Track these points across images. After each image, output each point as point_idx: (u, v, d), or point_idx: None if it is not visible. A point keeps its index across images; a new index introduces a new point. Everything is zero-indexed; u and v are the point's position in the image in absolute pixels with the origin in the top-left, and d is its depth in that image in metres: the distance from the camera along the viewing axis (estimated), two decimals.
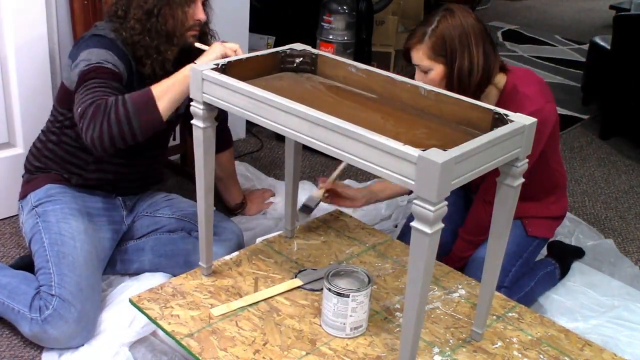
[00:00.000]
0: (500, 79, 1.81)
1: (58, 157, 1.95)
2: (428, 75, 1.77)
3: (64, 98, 1.89)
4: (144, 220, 2.04)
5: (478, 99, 1.58)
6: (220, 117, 1.71)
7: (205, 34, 1.95)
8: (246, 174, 2.72)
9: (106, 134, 1.65)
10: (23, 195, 1.97)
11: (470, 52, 1.71)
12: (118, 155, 1.86)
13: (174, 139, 2.78)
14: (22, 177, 2.04)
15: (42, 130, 2.02)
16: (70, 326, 1.69)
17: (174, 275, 1.85)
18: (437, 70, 1.75)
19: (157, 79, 1.77)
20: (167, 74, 1.77)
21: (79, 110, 1.69)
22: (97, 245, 1.87)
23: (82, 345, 1.73)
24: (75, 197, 1.92)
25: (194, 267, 1.72)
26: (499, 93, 1.81)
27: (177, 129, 2.87)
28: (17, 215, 2.32)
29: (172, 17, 1.82)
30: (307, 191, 2.53)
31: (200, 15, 1.87)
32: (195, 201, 1.61)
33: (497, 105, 1.73)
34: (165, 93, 1.70)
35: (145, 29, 1.81)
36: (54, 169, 1.96)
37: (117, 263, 2.01)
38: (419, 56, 1.76)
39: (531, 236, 1.98)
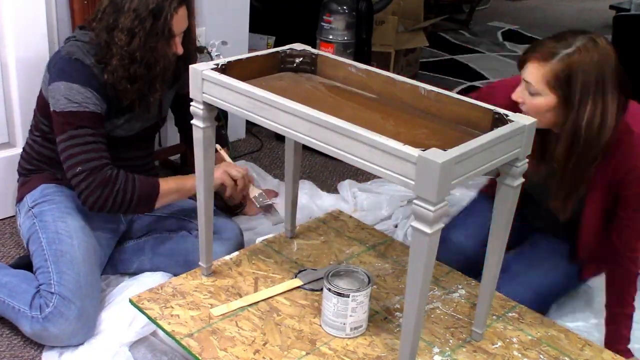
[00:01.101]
0: None
1: (47, 158, 1.95)
2: (533, 98, 1.51)
3: (44, 109, 1.87)
4: (143, 219, 2.04)
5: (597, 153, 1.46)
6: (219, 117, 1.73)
7: (189, 51, 1.95)
8: (251, 174, 2.71)
9: (107, 206, 1.78)
10: (19, 199, 1.98)
11: (605, 104, 1.44)
12: (120, 154, 1.87)
13: (159, 143, 2.78)
14: (17, 181, 2.05)
15: (29, 132, 2.02)
16: (71, 323, 1.69)
17: (174, 275, 1.85)
18: (548, 100, 1.49)
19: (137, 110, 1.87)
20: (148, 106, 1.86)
21: (77, 170, 1.74)
22: (94, 243, 1.87)
23: (83, 343, 1.73)
24: (71, 196, 1.91)
25: (194, 267, 1.72)
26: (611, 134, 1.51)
27: (177, 129, 2.88)
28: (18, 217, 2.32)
29: (155, 63, 1.79)
30: (307, 191, 2.53)
31: (178, 49, 1.84)
32: (195, 200, 1.61)
33: (605, 145, 1.48)
34: (168, 195, 1.86)
35: (128, 75, 1.78)
36: (46, 170, 1.96)
37: (117, 263, 2.01)
38: (536, 75, 1.48)
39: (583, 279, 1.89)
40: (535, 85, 1.49)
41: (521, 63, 1.53)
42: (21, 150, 2.28)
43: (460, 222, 1.97)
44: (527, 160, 1.31)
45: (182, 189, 1.87)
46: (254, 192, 2.12)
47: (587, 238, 1.70)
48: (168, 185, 1.85)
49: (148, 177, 1.85)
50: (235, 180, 1.98)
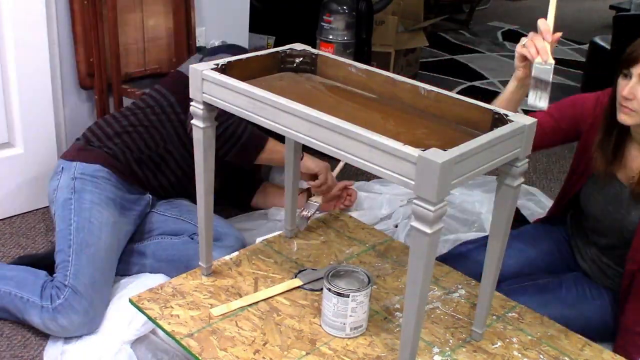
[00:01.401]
0: None
1: (127, 140, 2.01)
2: None
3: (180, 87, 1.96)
4: (150, 216, 2.06)
5: None
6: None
7: None
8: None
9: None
10: (70, 158, 1.98)
11: None
12: (180, 164, 2.00)
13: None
14: (76, 140, 2.07)
15: (127, 108, 2.08)
16: (80, 317, 1.72)
17: None
18: None
19: None
20: None
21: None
22: (120, 239, 1.89)
23: (89, 334, 1.76)
24: (116, 186, 1.94)
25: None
26: None
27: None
28: (17, 215, 2.32)
29: None
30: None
31: None
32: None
33: None
34: (271, 155, 2.03)
35: None
36: (112, 150, 1.99)
37: (118, 264, 2.01)
38: None
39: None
40: None
41: (634, 58, 1.55)
42: (21, 150, 2.27)
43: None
44: (527, 160, 1.31)
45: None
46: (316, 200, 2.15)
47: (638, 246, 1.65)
48: (276, 145, 2.00)
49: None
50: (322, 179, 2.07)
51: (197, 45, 2.72)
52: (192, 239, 2.01)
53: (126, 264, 2.01)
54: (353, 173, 2.89)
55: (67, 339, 1.76)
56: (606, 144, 1.67)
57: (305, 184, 2.19)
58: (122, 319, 1.74)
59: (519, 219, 1.68)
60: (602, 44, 3.80)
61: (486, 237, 1.44)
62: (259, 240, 1.89)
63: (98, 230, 1.82)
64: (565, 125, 1.79)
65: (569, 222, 1.88)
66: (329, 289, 1.47)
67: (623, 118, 1.57)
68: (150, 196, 2.07)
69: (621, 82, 1.58)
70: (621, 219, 1.68)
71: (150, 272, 1.99)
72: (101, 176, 1.93)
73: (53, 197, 1.94)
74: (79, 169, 1.92)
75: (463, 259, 1.88)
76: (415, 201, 1.11)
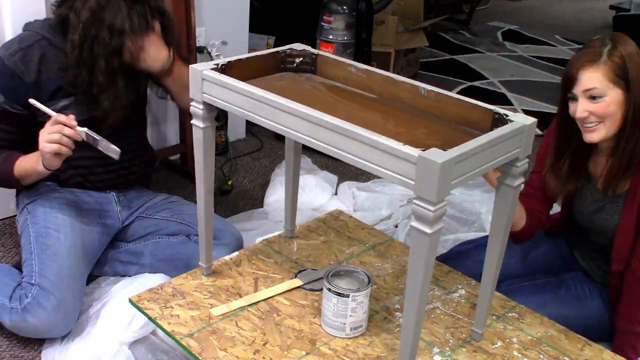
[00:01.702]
0: None
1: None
2: (601, 101, 1.52)
3: None
4: (142, 221, 2.04)
5: None
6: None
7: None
8: (306, 166, 2.71)
9: None
10: (17, 193, 2.01)
11: None
12: (83, 152, 1.82)
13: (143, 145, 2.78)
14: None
15: None
16: (50, 315, 1.70)
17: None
18: (613, 96, 1.51)
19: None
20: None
21: None
22: (84, 238, 1.87)
23: (63, 334, 1.75)
24: (66, 193, 1.93)
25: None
26: None
27: (177, 128, 2.88)
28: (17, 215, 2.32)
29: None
30: (308, 190, 2.53)
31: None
32: (195, 203, 1.61)
33: None
34: (23, 177, 1.80)
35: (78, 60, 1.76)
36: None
37: (117, 265, 2.01)
38: (594, 77, 1.51)
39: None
40: (599, 86, 1.51)
41: (571, 79, 1.54)
42: None
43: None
44: (527, 160, 1.31)
45: (34, 171, 1.77)
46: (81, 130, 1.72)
47: (621, 242, 1.66)
48: (19, 166, 1.78)
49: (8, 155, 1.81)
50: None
51: (197, 45, 2.72)
52: (189, 238, 1.99)
53: (125, 264, 2.01)
54: (353, 173, 2.89)
55: (65, 339, 1.76)
56: (560, 168, 1.68)
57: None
58: (121, 319, 1.74)
59: None
60: None
61: (486, 237, 1.44)
62: (259, 240, 1.89)
63: (56, 232, 1.82)
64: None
65: (566, 222, 1.89)
66: (329, 289, 1.47)
67: (590, 137, 1.56)
68: (114, 194, 2.01)
69: (571, 106, 1.58)
70: (605, 224, 1.69)
71: (150, 272, 1.98)
72: (46, 190, 1.93)
73: (18, 230, 1.96)
74: (25, 197, 1.93)
75: (463, 258, 1.88)
76: (415, 201, 1.11)
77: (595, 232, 1.75)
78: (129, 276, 2.01)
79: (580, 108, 1.54)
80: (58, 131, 1.65)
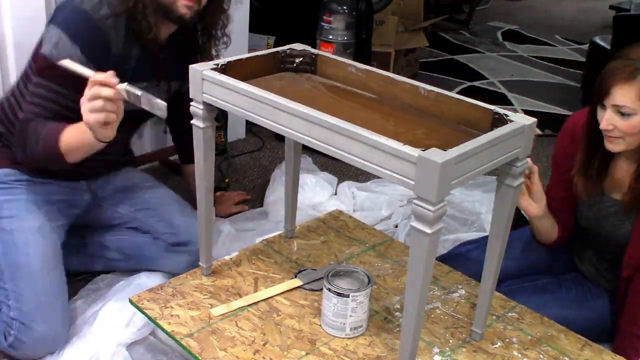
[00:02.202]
0: None
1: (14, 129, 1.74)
2: (629, 119, 1.49)
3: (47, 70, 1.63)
4: (110, 211, 1.92)
5: None
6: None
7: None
8: (306, 167, 2.70)
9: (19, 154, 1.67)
10: None
11: None
12: None
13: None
14: None
15: (17, 89, 1.80)
16: (37, 346, 1.62)
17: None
18: None
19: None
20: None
21: (21, 117, 1.63)
22: (54, 241, 1.73)
23: (61, 348, 1.67)
24: (33, 185, 1.76)
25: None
26: None
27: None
28: None
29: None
30: (307, 188, 2.53)
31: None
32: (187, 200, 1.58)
33: None
34: (71, 151, 1.57)
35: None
36: (12, 144, 1.75)
37: (85, 259, 1.93)
38: (628, 96, 1.47)
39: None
40: (631, 105, 1.48)
41: (604, 90, 1.51)
42: None
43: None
44: (527, 160, 1.31)
45: (82, 142, 1.55)
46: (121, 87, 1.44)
47: (636, 248, 1.65)
48: (67, 136, 1.55)
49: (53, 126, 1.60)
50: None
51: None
52: (155, 239, 1.89)
53: (90, 257, 1.93)
54: (353, 173, 2.89)
55: None
56: (590, 169, 1.67)
57: None
58: (119, 320, 1.74)
59: (519, 219, 1.67)
60: (602, 44, 3.80)
61: (486, 237, 1.44)
62: (259, 240, 1.89)
63: (24, 244, 1.66)
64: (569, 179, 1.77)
65: None
66: (329, 289, 1.47)
67: (610, 147, 1.56)
68: (86, 182, 1.88)
69: (599, 112, 1.57)
70: (614, 230, 1.68)
71: (117, 267, 1.91)
72: (12, 180, 1.75)
73: None
74: None
75: (463, 259, 1.88)
76: (415, 201, 1.11)
77: (603, 237, 1.74)
78: (95, 270, 1.94)
79: (606, 119, 1.52)
80: (97, 95, 1.41)
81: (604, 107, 1.54)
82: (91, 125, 1.44)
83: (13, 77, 2.20)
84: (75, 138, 1.54)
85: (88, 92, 1.41)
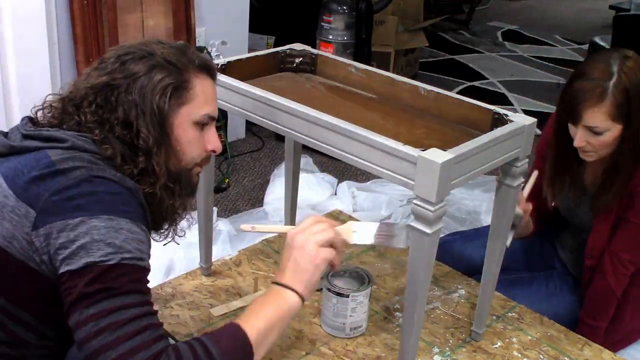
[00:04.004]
0: None
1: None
2: (601, 137, 1.48)
3: (29, 291, 1.03)
4: None
5: None
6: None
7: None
8: (306, 167, 2.70)
9: None
10: None
11: None
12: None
13: None
14: None
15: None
16: None
17: None
18: (615, 131, 1.47)
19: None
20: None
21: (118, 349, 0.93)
22: None
23: None
24: None
25: None
26: None
27: None
28: None
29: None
30: (307, 187, 2.53)
31: (215, 144, 1.17)
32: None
33: None
34: (265, 337, 1.04)
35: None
36: None
37: None
38: (599, 117, 1.45)
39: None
40: (601, 125, 1.46)
41: (576, 114, 1.48)
42: None
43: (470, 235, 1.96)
44: (527, 160, 1.31)
45: (278, 316, 1.06)
46: (346, 233, 1.18)
47: (595, 238, 1.66)
48: (251, 318, 1.05)
49: (221, 330, 1.04)
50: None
51: (197, 45, 2.72)
52: None
53: None
54: (353, 173, 2.89)
55: None
56: (558, 182, 1.67)
57: None
58: None
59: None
60: (602, 44, 3.81)
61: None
62: (259, 240, 1.89)
63: None
64: None
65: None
66: (329, 289, 1.47)
67: (584, 158, 1.56)
68: None
69: (570, 128, 1.54)
70: (585, 217, 1.69)
71: None
72: None
73: None
74: None
75: (443, 249, 1.84)
76: (415, 201, 1.11)
77: (575, 226, 1.75)
78: None
79: (579, 138, 1.50)
80: (330, 241, 1.11)
81: (575, 125, 1.52)
82: (317, 265, 1.09)
83: (13, 77, 2.20)
84: (264, 318, 1.05)
85: (318, 234, 1.10)
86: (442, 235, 2.02)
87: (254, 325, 1.02)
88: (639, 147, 1.50)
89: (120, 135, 1.07)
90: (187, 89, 1.10)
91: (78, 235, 0.96)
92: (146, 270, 1.01)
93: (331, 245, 1.11)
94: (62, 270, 0.96)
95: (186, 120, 1.11)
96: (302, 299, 1.07)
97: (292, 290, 1.06)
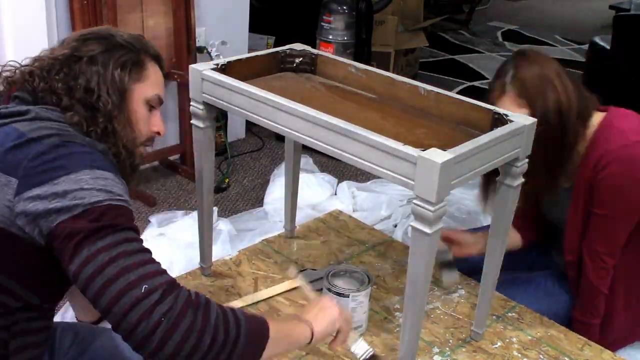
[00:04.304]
0: (597, 117, 1.61)
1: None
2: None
3: (11, 258, 1.05)
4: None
5: (576, 142, 1.55)
6: None
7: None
8: (306, 167, 2.70)
9: (202, 349, 0.98)
10: None
11: (556, 90, 1.55)
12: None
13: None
14: None
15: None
16: None
17: None
18: (526, 115, 1.55)
19: None
20: None
21: (139, 291, 0.96)
22: None
23: None
24: None
25: None
26: (594, 131, 1.61)
27: (177, 128, 2.88)
28: None
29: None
30: (307, 187, 2.53)
31: (160, 127, 1.27)
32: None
33: (590, 142, 1.60)
34: (277, 343, 1.11)
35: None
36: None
37: None
38: (506, 107, 1.54)
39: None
40: (512, 112, 1.54)
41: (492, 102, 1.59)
42: None
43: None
44: (527, 160, 1.31)
45: (291, 336, 1.16)
46: (352, 340, 1.31)
47: (570, 233, 1.67)
48: (278, 324, 1.14)
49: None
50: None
51: (197, 45, 2.72)
52: None
53: None
54: (353, 173, 2.89)
55: None
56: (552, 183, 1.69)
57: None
58: None
59: None
60: (602, 44, 3.80)
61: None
62: (259, 240, 1.89)
63: None
64: None
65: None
66: (329, 289, 1.47)
67: None
68: None
69: None
70: (561, 215, 1.70)
71: None
72: None
73: None
74: None
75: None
76: (415, 201, 1.11)
77: (554, 224, 1.77)
78: None
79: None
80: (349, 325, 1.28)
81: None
82: (337, 320, 1.23)
83: None
84: (286, 326, 1.19)
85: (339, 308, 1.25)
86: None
87: (275, 325, 1.10)
88: (559, 125, 1.54)
89: (81, 99, 1.15)
90: (143, 68, 1.22)
91: (67, 190, 1.00)
92: (131, 212, 1.07)
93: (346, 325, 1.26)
94: (58, 221, 0.99)
95: (140, 96, 1.21)
96: (312, 337, 1.18)
97: (310, 326, 1.19)
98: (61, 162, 1.03)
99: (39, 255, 1.03)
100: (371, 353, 1.32)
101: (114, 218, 1.00)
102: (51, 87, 1.15)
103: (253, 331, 1.05)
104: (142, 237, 1.06)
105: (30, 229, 1.01)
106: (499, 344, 1.52)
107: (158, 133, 1.27)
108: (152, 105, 1.24)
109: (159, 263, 1.02)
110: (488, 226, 1.54)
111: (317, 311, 1.22)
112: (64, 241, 0.98)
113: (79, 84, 1.16)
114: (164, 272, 1.01)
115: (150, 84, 1.23)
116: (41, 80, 1.16)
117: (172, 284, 1.00)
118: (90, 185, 1.01)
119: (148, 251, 1.03)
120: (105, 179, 1.04)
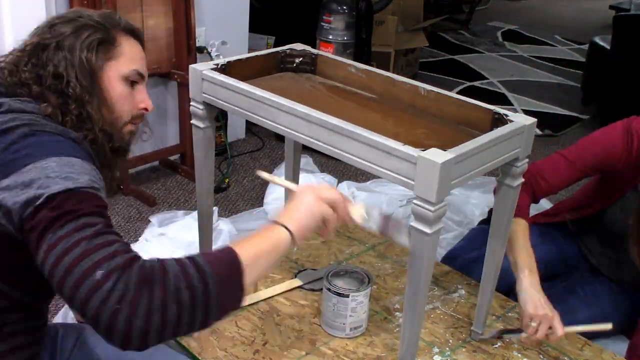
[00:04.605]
0: None
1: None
2: None
3: (2, 261, 1.05)
4: None
5: None
6: None
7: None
8: (306, 167, 2.70)
9: (170, 320, 0.93)
10: None
11: None
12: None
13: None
14: None
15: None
16: None
17: None
18: None
19: None
20: None
21: (95, 276, 0.91)
22: None
23: None
24: None
25: None
26: None
27: (177, 128, 2.88)
28: None
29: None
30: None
31: (146, 102, 1.23)
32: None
33: None
34: (254, 262, 1.03)
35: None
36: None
37: None
38: None
39: None
40: None
41: None
42: None
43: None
44: (527, 160, 1.31)
45: (269, 245, 1.07)
46: (356, 211, 1.19)
47: None
48: (245, 244, 1.05)
49: (212, 250, 1.16)
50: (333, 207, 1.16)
51: (197, 45, 2.72)
52: None
53: None
54: (353, 173, 2.89)
55: None
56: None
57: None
58: None
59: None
60: (602, 44, 3.80)
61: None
62: None
63: None
64: (591, 172, 1.70)
65: (573, 223, 1.86)
66: (329, 289, 1.47)
67: None
68: None
69: None
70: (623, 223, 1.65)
71: None
72: None
73: None
74: None
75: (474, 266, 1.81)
76: (415, 201, 1.11)
77: (624, 240, 1.65)
78: None
79: None
80: (337, 191, 1.16)
81: None
82: (316, 213, 1.13)
83: None
84: (257, 244, 1.07)
85: (324, 191, 1.16)
86: (443, 235, 2.03)
87: (244, 247, 1.04)
88: None
89: (51, 86, 1.14)
90: (113, 45, 1.18)
91: (33, 179, 0.98)
92: (105, 202, 1.03)
93: (333, 207, 1.13)
94: (26, 213, 0.97)
95: (115, 74, 1.18)
96: (292, 235, 1.08)
97: (284, 226, 1.08)
98: (28, 151, 1.01)
99: (22, 251, 1.00)
100: (387, 214, 1.17)
101: (75, 204, 0.97)
102: (20, 79, 1.15)
103: (221, 271, 0.99)
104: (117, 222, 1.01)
105: (7, 222, 1.00)
106: (499, 344, 1.52)
107: (145, 109, 1.23)
108: (133, 80, 1.20)
109: (119, 242, 0.97)
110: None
111: (290, 208, 1.13)
112: (30, 234, 0.97)
113: (48, 71, 1.15)
114: (122, 251, 0.95)
115: (125, 60, 1.19)
116: (10, 74, 1.16)
117: (128, 263, 0.94)
118: (56, 172, 0.99)
119: (108, 232, 0.97)
120: (72, 166, 1.01)
